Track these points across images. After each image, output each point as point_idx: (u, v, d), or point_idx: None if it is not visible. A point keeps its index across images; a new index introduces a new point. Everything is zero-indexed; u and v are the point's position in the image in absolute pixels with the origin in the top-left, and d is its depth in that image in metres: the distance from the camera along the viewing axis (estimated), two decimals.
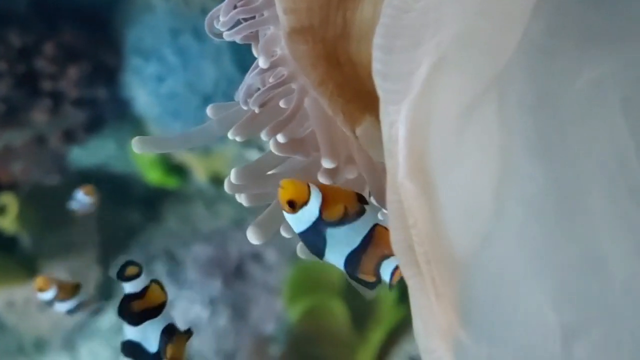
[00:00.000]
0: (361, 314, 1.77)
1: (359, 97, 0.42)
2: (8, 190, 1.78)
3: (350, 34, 0.42)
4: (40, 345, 1.88)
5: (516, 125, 0.39)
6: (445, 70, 0.36)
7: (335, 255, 0.43)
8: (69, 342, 1.87)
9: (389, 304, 1.75)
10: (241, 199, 0.49)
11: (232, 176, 0.46)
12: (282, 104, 0.44)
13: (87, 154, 1.84)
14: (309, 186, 0.41)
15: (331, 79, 0.41)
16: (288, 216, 0.42)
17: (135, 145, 0.47)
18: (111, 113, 1.78)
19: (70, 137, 1.76)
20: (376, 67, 0.36)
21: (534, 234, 0.39)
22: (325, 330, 1.77)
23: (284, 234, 0.47)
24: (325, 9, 0.41)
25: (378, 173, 0.44)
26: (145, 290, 0.57)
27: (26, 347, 1.88)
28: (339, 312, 1.75)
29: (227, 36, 0.46)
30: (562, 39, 0.39)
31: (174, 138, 0.49)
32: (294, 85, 0.44)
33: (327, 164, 0.43)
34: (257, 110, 0.43)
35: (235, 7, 0.45)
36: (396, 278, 0.43)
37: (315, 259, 0.44)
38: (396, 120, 0.36)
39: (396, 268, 0.43)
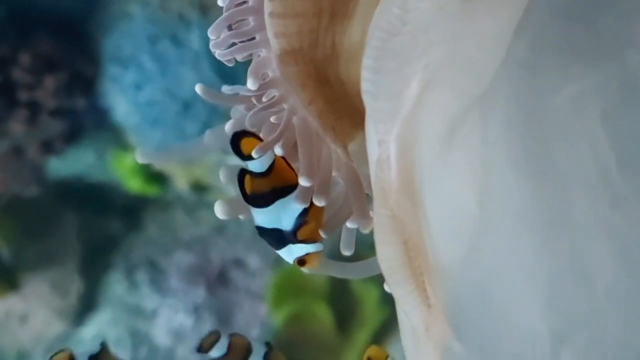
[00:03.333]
0: (345, 316, 1.78)
1: (349, 114, 0.44)
2: None
3: (339, 55, 0.43)
4: (22, 358, 1.86)
5: (500, 140, 0.40)
6: (433, 90, 0.37)
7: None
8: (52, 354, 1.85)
9: (373, 305, 1.77)
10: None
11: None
12: (273, 119, 0.46)
13: (66, 165, 1.82)
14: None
15: (321, 97, 0.43)
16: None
17: (138, 156, 0.50)
18: (90, 123, 1.76)
19: (48, 147, 1.75)
20: (366, 87, 0.37)
21: (521, 245, 0.40)
22: (310, 334, 1.77)
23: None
24: (315, 33, 0.43)
25: (364, 190, 0.46)
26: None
27: None
28: (323, 315, 1.76)
29: (220, 55, 0.47)
30: (544, 55, 0.40)
31: (171, 150, 0.51)
32: (285, 106, 0.45)
33: (303, 182, 0.45)
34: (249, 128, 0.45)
35: (230, 28, 0.46)
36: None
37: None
38: (387, 140, 0.37)
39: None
